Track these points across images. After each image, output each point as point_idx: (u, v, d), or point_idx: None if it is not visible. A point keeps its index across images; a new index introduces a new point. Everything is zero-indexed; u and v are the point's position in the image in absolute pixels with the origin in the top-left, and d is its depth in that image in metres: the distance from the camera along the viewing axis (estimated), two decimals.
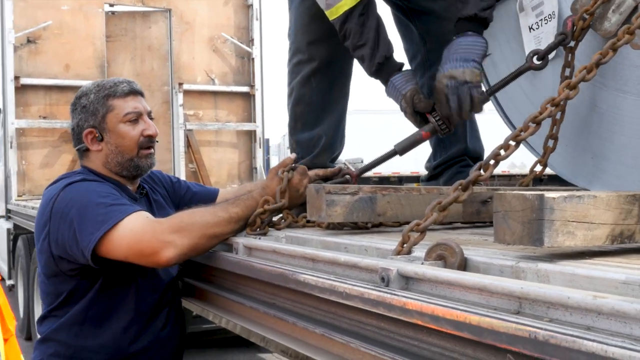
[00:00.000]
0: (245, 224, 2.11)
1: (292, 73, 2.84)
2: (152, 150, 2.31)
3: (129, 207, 2.06)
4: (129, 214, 2.02)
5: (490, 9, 2.23)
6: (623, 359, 0.83)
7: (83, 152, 2.32)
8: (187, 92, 7.31)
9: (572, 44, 2.10)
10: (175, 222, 2.00)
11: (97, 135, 2.26)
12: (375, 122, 16.55)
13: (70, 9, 6.93)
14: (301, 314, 1.66)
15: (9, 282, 7.42)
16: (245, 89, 7.56)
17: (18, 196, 6.73)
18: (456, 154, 2.85)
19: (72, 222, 2.05)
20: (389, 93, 2.37)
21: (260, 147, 7.69)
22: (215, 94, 7.52)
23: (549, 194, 1.17)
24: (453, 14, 2.33)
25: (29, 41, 6.78)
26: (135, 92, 2.31)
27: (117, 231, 1.99)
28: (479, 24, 2.24)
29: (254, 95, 7.59)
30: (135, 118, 2.28)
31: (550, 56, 2.16)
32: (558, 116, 2.11)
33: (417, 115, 2.29)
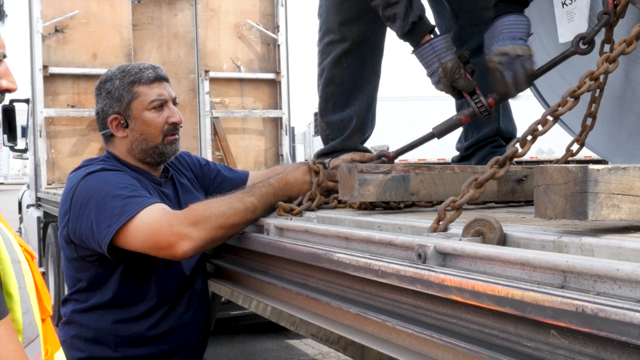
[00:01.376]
0: (263, 212, 2.08)
1: (323, 53, 2.81)
2: (176, 136, 2.30)
3: (146, 199, 2.05)
4: (146, 206, 2.01)
5: None
6: None
7: (108, 137, 2.32)
8: (213, 80, 7.30)
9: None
10: (192, 214, 1.98)
11: (122, 121, 2.25)
12: (400, 109, 16.49)
13: None
14: (335, 294, 1.64)
15: (39, 270, 7.49)
16: (271, 75, 7.52)
17: (48, 184, 6.77)
18: (489, 134, 2.80)
19: (90, 214, 2.06)
20: (422, 55, 2.26)
21: (286, 134, 7.66)
22: (241, 81, 7.49)
23: (592, 166, 1.13)
24: None
25: (56, 30, 6.81)
26: (160, 79, 2.29)
27: (133, 224, 1.99)
28: (519, 4, 2.18)
29: (279, 82, 7.55)
30: (160, 105, 2.26)
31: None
32: (597, 94, 2.05)
33: (454, 89, 2.23)
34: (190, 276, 2.32)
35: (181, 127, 2.31)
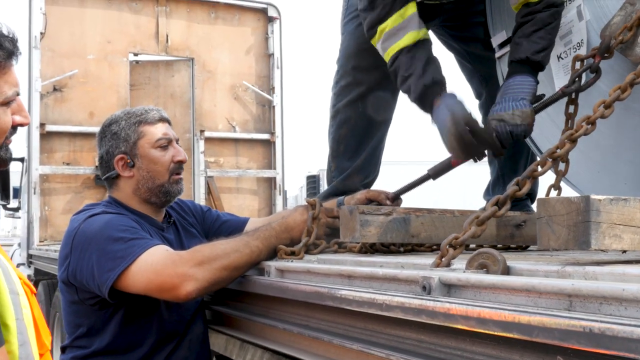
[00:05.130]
0: (266, 256, 2.09)
1: (338, 95, 2.89)
2: (181, 176, 2.34)
3: (148, 241, 2.06)
4: (148, 248, 2.02)
5: (544, 51, 2.20)
6: None
7: (112, 180, 2.34)
8: (208, 139, 7.37)
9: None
10: (197, 255, 1.99)
11: (128, 161, 2.28)
12: (410, 173, 16.49)
13: (95, 58, 7.06)
14: (337, 333, 1.64)
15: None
16: (265, 136, 7.61)
17: (40, 242, 6.74)
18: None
19: (91, 257, 2.06)
20: (437, 117, 2.26)
21: (280, 194, 7.69)
22: (236, 141, 7.57)
23: (594, 196, 1.16)
24: None
25: (55, 89, 6.90)
26: (164, 119, 2.36)
27: (136, 266, 1.99)
28: (532, 67, 2.21)
29: (274, 143, 7.63)
30: (166, 144, 2.31)
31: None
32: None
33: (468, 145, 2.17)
34: (191, 320, 2.31)
35: (183, 168, 2.36)
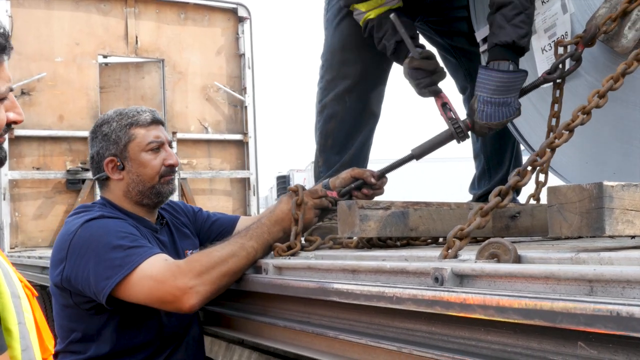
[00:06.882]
0: (262, 253, 2.07)
1: (324, 90, 2.88)
2: (172, 177, 2.30)
3: (147, 250, 2.03)
4: (148, 257, 1.99)
5: (527, 37, 2.20)
6: None
7: (103, 182, 2.30)
8: (180, 141, 7.30)
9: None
10: (195, 266, 1.96)
11: (118, 164, 2.24)
12: (400, 170, 16.45)
13: (64, 60, 6.94)
14: (341, 329, 1.63)
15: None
16: (238, 136, 7.57)
17: (11, 248, 6.62)
18: (500, 182, 2.86)
19: (88, 263, 2.02)
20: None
21: (254, 195, 7.66)
22: (208, 142, 7.51)
23: (607, 183, 1.17)
24: None
25: (23, 93, 6.77)
26: (157, 122, 2.31)
27: (135, 276, 1.96)
28: (515, 52, 2.20)
29: (247, 143, 7.60)
30: (157, 147, 2.27)
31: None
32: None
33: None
34: (189, 323, 2.28)
35: (176, 170, 2.32)
